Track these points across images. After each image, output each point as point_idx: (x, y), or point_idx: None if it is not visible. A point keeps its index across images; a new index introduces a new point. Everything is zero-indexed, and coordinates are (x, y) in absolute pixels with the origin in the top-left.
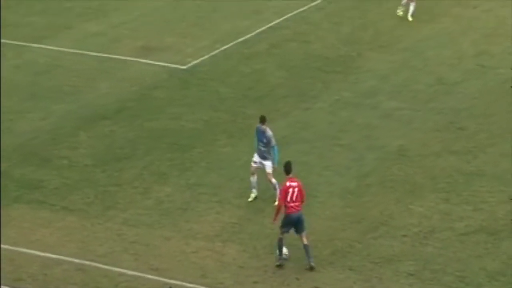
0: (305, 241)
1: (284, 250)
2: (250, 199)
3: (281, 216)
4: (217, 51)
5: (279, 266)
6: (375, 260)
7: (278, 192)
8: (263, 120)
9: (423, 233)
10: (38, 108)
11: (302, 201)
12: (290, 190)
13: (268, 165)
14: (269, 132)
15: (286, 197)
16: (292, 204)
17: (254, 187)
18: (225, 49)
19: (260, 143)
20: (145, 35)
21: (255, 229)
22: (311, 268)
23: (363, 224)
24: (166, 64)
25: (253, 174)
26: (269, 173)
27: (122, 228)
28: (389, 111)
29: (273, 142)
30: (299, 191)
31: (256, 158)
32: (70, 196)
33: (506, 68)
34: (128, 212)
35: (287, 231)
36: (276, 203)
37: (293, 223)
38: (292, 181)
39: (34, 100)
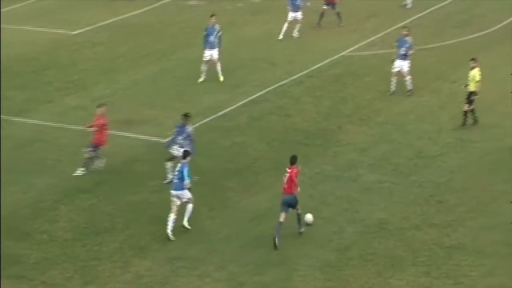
0: (298, 211)
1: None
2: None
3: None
4: (197, 124)
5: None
6: None
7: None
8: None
9: None
10: (19, 182)
11: (293, 185)
12: (286, 175)
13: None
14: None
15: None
16: (285, 187)
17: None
18: (205, 122)
19: (179, 137)
20: (125, 108)
21: None
22: (300, 233)
23: None
24: (146, 137)
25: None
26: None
27: None
28: (369, 184)
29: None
30: (290, 179)
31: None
32: (50, 271)
33: (485, 142)
34: (107, 287)
35: (283, 211)
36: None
37: (286, 203)
38: (289, 169)
39: (14, 174)
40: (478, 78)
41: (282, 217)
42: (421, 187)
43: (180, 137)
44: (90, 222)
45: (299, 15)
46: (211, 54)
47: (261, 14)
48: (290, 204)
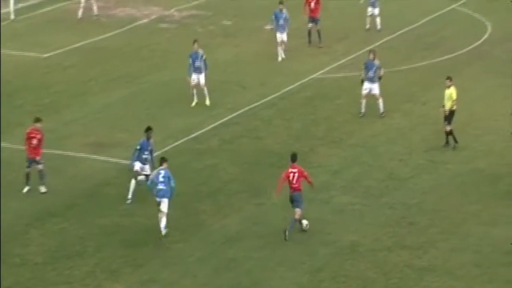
0: (296, 216)
1: (304, 222)
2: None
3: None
4: (169, 147)
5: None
6: None
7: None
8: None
9: None
10: None
11: (300, 181)
12: (291, 174)
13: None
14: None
15: (288, 179)
16: (293, 185)
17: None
18: (177, 145)
19: (146, 152)
20: (96, 131)
21: None
22: (285, 234)
23: None
24: (117, 160)
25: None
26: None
27: None
28: (341, 206)
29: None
30: (299, 175)
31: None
32: None
33: (455, 164)
34: None
35: (296, 207)
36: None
37: (294, 200)
38: (293, 168)
39: None
40: (454, 96)
41: (297, 213)
42: (393, 208)
43: (146, 152)
44: (61, 245)
45: (284, 36)
46: (198, 78)
47: (233, 37)
48: (297, 200)
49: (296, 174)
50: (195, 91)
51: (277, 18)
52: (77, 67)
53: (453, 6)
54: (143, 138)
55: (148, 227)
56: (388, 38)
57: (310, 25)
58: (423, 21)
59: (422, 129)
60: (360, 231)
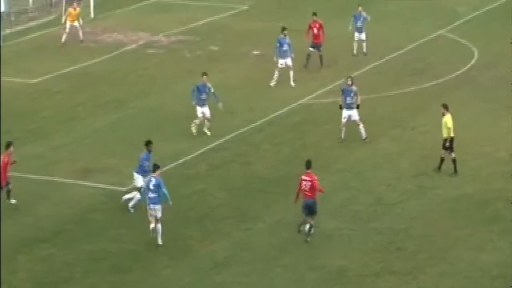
0: (311, 222)
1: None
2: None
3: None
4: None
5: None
6: None
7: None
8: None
9: None
10: None
11: (316, 191)
12: (303, 182)
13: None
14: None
15: (301, 187)
16: (306, 193)
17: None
18: (165, 171)
19: (150, 191)
20: (84, 157)
21: None
22: (306, 241)
23: None
24: (105, 186)
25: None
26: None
27: None
28: (329, 231)
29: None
30: (312, 184)
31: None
32: None
33: (444, 189)
34: None
35: (305, 213)
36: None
37: (307, 207)
38: (306, 176)
39: None
40: (449, 124)
41: (309, 220)
42: (381, 234)
43: (147, 163)
44: (49, 272)
45: (289, 61)
46: (203, 111)
47: (220, 62)
48: (311, 207)
49: (309, 183)
50: (199, 121)
51: (281, 44)
52: (65, 92)
53: (440, 32)
54: (144, 151)
55: (136, 253)
56: (376, 63)
57: (311, 49)
58: (411, 46)
59: (410, 154)
60: (348, 256)
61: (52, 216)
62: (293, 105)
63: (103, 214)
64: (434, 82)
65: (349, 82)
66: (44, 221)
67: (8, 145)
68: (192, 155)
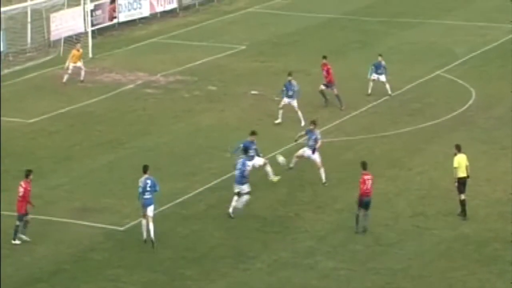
0: (368, 214)
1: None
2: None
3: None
4: (154, 212)
5: (357, 233)
6: None
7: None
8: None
9: None
10: None
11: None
12: (367, 181)
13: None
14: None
15: (364, 186)
16: (367, 192)
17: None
18: (162, 210)
19: (147, 192)
20: (81, 196)
21: None
22: (364, 230)
23: None
24: (103, 226)
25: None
26: (150, 216)
27: None
28: (327, 271)
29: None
30: (373, 182)
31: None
32: None
33: (441, 229)
34: None
35: (360, 208)
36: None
37: (367, 204)
38: (366, 175)
39: None
40: (455, 164)
41: (362, 213)
42: (378, 274)
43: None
44: None
45: (294, 103)
46: (253, 164)
47: (217, 102)
48: (368, 204)
49: (371, 181)
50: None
51: (287, 89)
52: (62, 132)
53: (437, 72)
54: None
55: None
56: (374, 103)
57: (322, 87)
58: (408, 87)
59: (407, 194)
60: None
61: (49, 255)
62: (290, 146)
63: (101, 254)
64: (431, 122)
65: (311, 126)
66: (42, 261)
67: (28, 173)
68: (190, 195)
